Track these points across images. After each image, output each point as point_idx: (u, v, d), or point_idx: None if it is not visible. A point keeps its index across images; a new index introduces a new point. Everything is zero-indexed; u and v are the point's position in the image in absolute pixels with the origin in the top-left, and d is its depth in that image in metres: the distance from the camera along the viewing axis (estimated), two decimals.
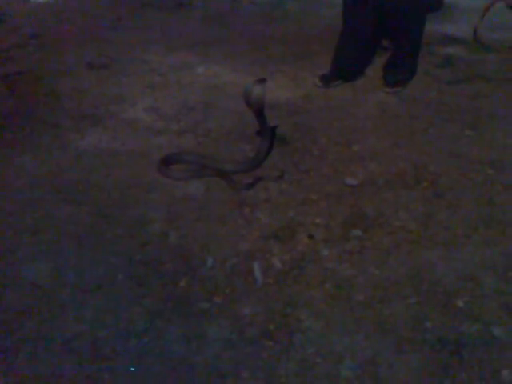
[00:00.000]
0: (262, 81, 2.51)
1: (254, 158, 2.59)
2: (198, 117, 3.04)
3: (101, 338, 1.74)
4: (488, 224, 2.22)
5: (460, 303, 1.87)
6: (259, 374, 1.64)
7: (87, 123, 2.95)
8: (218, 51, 3.93)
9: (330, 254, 2.08)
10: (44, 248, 2.08)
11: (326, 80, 3.39)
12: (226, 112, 3.07)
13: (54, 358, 1.68)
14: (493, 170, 2.55)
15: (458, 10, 4.44)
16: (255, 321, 1.80)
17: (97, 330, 1.76)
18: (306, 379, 1.63)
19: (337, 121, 3.00)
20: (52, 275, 1.97)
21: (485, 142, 2.80)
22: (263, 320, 1.80)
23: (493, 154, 2.67)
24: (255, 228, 2.21)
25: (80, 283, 1.93)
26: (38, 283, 1.93)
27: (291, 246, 2.12)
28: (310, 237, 2.16)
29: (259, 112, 2.54)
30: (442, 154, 2.69)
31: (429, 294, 1.90)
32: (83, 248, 2.09)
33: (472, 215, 2.27)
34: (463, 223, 2.23)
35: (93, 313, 1.82)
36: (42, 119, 2.98)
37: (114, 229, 2.18)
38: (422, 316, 1.82)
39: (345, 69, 3.41)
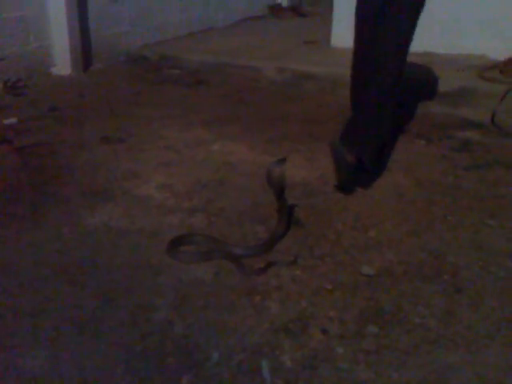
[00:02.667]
0: (283, 160, 2.49)
1: (267, 243, 2.51)
2: (211, 195, 2.99)
3: None
4: None
5: None
6: None
7: (99, 199, 2.91)
8: (234, 128, 3.94)
9: (344, 352, 1.95)
10: (43, 334, 1.98)
11: None
12: (240, 190, 3.03)
13: None
14: None
15: (477, 94, 4.45)
16: None
17: None
18: None
19: (352, 204, 2.93)
20: (49, 365, 1.85)
21: (506, 233, 2.69)
22: None
23: None
24: (265, 319, 2.10)
25: (76, 376, 1.81)
26: (31, 374, 1.82)
27: (303, 341, 1.99)
28: (324, 332, 2.04)
29: (280, 192, 2.51)
30: (462, 244, 2.58)
31: None
32: (84, 336, 1.98)
33: (495, 313, 2.14)
34: (485, 322, 2.10)
35: None
36: (53, 194, 2.95)
37: (116, 315, 2.08)
38: None
39: None
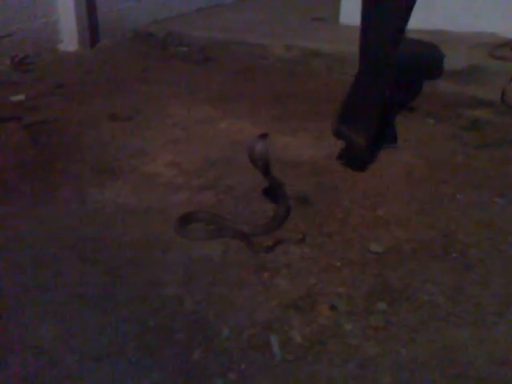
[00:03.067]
0: (264, 136, 2.47)
1: (271, 221, 2.52)
2: (219, 173, 2.99)
3: None
4: None
5: None
6: None
7: (107, 176, 2.91)
8: (242, 106, 3.92)
9: (353, 328, 1.96)
10: (52, 309, 2.00)
11: None
12: (248, 168, 2.99)
13: None
14: None
15: (487, 72, 4.39)
16: None
17: None
18: None
19: (361, 182, 2.92)
20: (59, 340, 1.88)
21: None
22: None
23: None
24: (274, 295, 2.11)
25: (88, 350, 1.84)
26: (43, 348, 1.84)
27: (312, 317, 2.00)
28: (332, 308, 2.05)
29: (265, 169, 2.49)
30: (471, 223, 2.58)
31: (459, 380, 1.76)
32: (93, 311, 2.00)
33: (504, 291, 2.14)
34: (494, 299, 2.10)
35: None
36: (62, 171, 2.95)
37: (126, 291, 2.10)
38: None
39: None
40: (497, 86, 4.17)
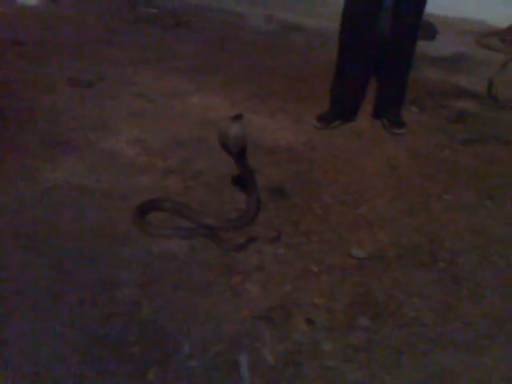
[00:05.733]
0: (239, 117, 2.15)
1: (243, 216, 2.26)
2: (188, 154, 2.70)
3: None
4: None
5: None
6: None
7: (61, 151, 2.59)
8: (216, 80, 3.61)
9: (332, 348, 1.74)
10: None
11: (325, 120, 3.14)
12: (219, 151, 2.73)
13: None
14: None
15: (474, 61, 4.20)
16: None
17: None
18: None
19: (342, 175, 2.68)
20: None
21: (503, 216, 2.50)
22: None
23: None
24: (244, 304, 1.86)
25: (27, 365, 1.56)
26: None
27: (286, 332, 1.77)
28: (309, 322, 1.82)
29: (240, 156, 2.19)
30: (459, 228, 2.38)
31: None
32: (33, 313, 1.71)
33: (496, 309, 1.96)
34: (486, 319, 1.91)
35: None
36: (10, 140, 2.61)
37: (74, 291, 1.81)
38: None
39: (343, 108, 3.19)
40: (483, 76, 3.98)
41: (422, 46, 4.13)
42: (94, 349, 1.63)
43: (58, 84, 3.25)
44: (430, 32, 4.41)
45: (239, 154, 2.18)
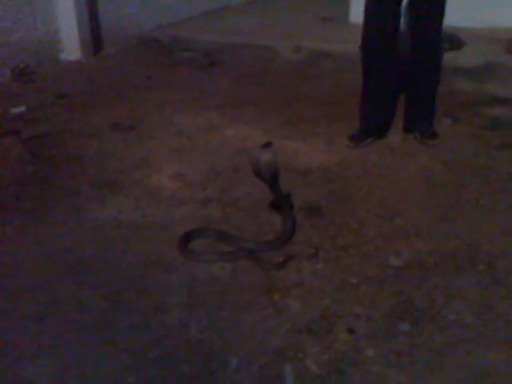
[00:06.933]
0: (268, 145, 2.26)
1: (279, 238, 2.35)
2: (225, 183, 2.83)
3: None
4: None
5: None
6: None
7: (108, 191, 2.76)
8: (249, 112, 3.76)
9: (374, 354, 1.79)
10: (47, 341, 1.85)
11: (357, 139, 3.21)
12: (254, 178, 2.85)
13: None
14: None
15: (506, 68, 4.19)
16: None
17: None
18: None
19: (376, 190, 2.74)
20: (53, 375, 1.73)
21: None
22: None
23: None
24: (286, 318, 1.94)
25: None
26: None
27: (328, 342, 1.83)
28: (350, 331, 1.88)
29: (273, 181, 2.27)
30: (496, 231, 2.39)
31: None
32: (91, 342, 1.85)
33: None
34: None
35: None
36: (61, 186, 2.81)
37: (127, 318, 1.94)
38: None
39: (372, 125, 3.25)
40: None
41: (451, 58, 4.18)
42: (147, 370, 1.74)
43: (102, 130, 3.47)
44: (456, 42, 4.44)
45: (271, 179, 2.27)
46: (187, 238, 2.34)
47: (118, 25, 5.36)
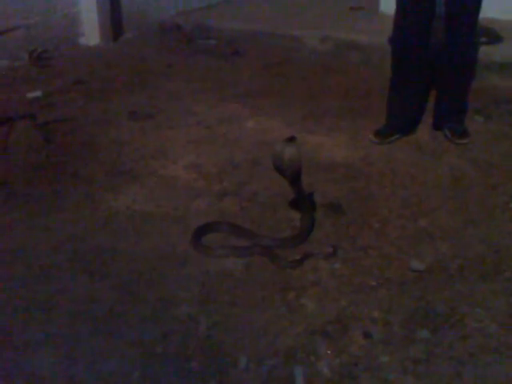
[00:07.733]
0: (292, 139, 2.14)
1: (297, 235, 2.27)
2: (243, 177, 2.75)
3: None
4: None
5: None
6: None
7: (123, 180, 2.71)
8: (271, 103, 3.66)
9: (389, 360, 1.70)
10: (54, 331, 1.80)
11: (382, 135, 3.10)
12: (274, 172, 2.77)
13: None
14: None
15: None
16: None
17: None
18: None
19: (401, 189, 2.64)
20: (58, 367, 1.68)
21: None
22: None
23: None
24: (300, 319, 1.86)
25: (90, 380, 1.63)
26: (39, 376, 1.64)
27: (342, 346, 1.75)
28: (366, 335, 1.79)
29: (295, 178, 2.17)
30: None
31: None
32: (99, 333, 1.80)
33: None
34: None
35: None
36: (75, 173, 2.76)
37: (136, 310, 1.89)
38: None
39: (400, 121, 3.13)
40: None
41: (486, 52, 4.02)
42: (154, 365, 1.69)
43: (119, 118, 3.42)
44: (493, 36, 4.27)
45: (293, 176, 2.17)
46: (200, 232, 2.27)
47: (138, 10, 5.26)
